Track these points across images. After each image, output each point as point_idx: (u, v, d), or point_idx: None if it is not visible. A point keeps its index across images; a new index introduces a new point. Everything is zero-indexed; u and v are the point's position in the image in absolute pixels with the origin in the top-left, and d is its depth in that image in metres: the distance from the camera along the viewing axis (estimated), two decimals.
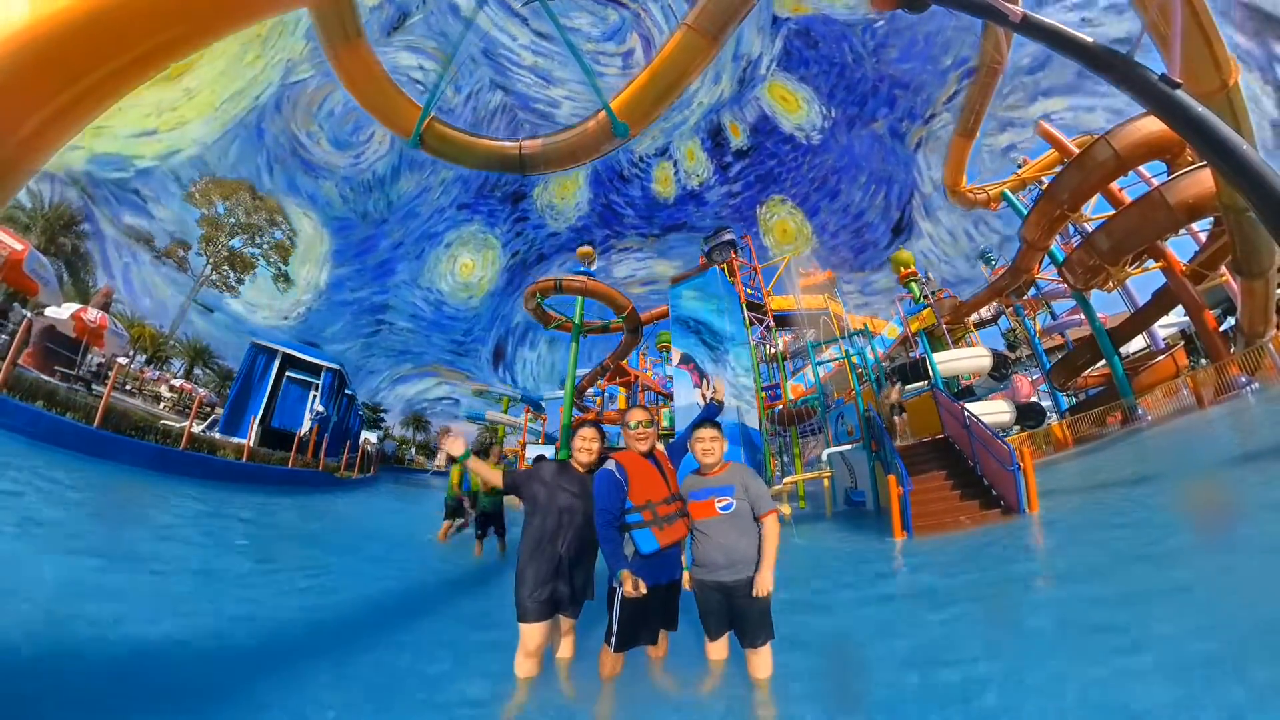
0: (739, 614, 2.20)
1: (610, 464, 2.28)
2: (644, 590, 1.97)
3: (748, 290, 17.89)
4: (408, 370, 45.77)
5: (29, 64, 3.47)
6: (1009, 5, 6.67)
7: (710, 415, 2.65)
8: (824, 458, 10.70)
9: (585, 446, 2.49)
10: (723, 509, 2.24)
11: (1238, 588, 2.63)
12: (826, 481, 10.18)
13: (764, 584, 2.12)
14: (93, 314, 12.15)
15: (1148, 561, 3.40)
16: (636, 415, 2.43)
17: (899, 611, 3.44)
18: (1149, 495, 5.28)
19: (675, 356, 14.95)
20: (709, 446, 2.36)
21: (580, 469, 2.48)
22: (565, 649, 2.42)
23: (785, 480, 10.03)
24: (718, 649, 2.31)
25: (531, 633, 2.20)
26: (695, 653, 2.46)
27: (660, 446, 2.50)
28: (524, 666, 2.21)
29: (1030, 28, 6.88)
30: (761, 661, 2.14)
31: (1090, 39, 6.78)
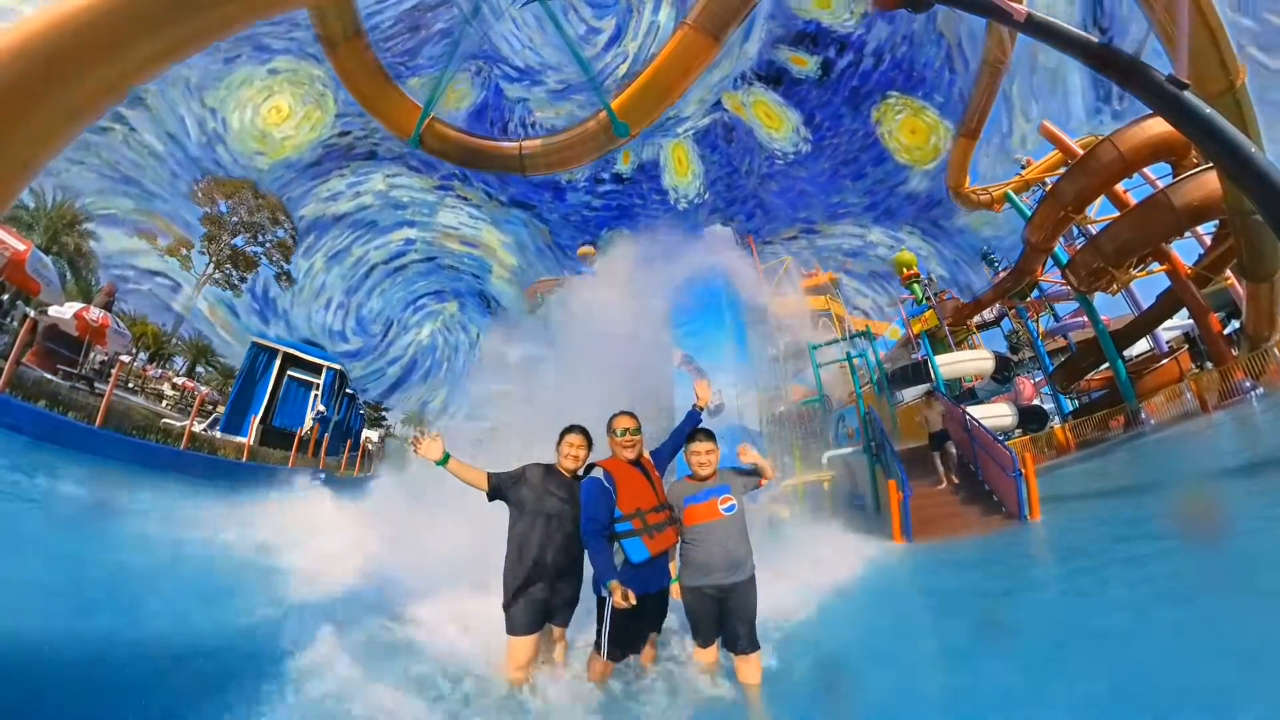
0: (731, 617, 2.19)
1: (598, 472, 2.24)
2: (634, 601, 1.94)
3: None
4: (122, 209, 29.20)
5: (32, 66, 3.46)
6: (1013, 4, 6.59)
7: (695, 423, 2.60)
8: (824, 460, 10.65)
9: (571, 453, 2.42)
10: (726, 510, 2.24)
11: (1240, 599, 2.59)
12: (826, 484, 10.13)
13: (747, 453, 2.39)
14: (95, 313, 12.20)
15: (1151, 571, 3.36)
16: (623, 422, 2.36)
17: (895, 619, 3.41)
18: (1152, 504, 5.23)
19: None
20: (705, 460, 2.33)
21: (566, 474, 2.42)
22: (557, 657, 2.38)
23: (785, 483, 9.98)
24: (708, 655, 2.29)
25: (521, 646, 2.15)
26: (687, 657, 2.44)
27: (646, 453, 2.45)
28: (513, 680, 2.17)
29: (1034, 27, 6.80)
30: (751, 668, 2.13)
31: (1095, 39, 6.71)
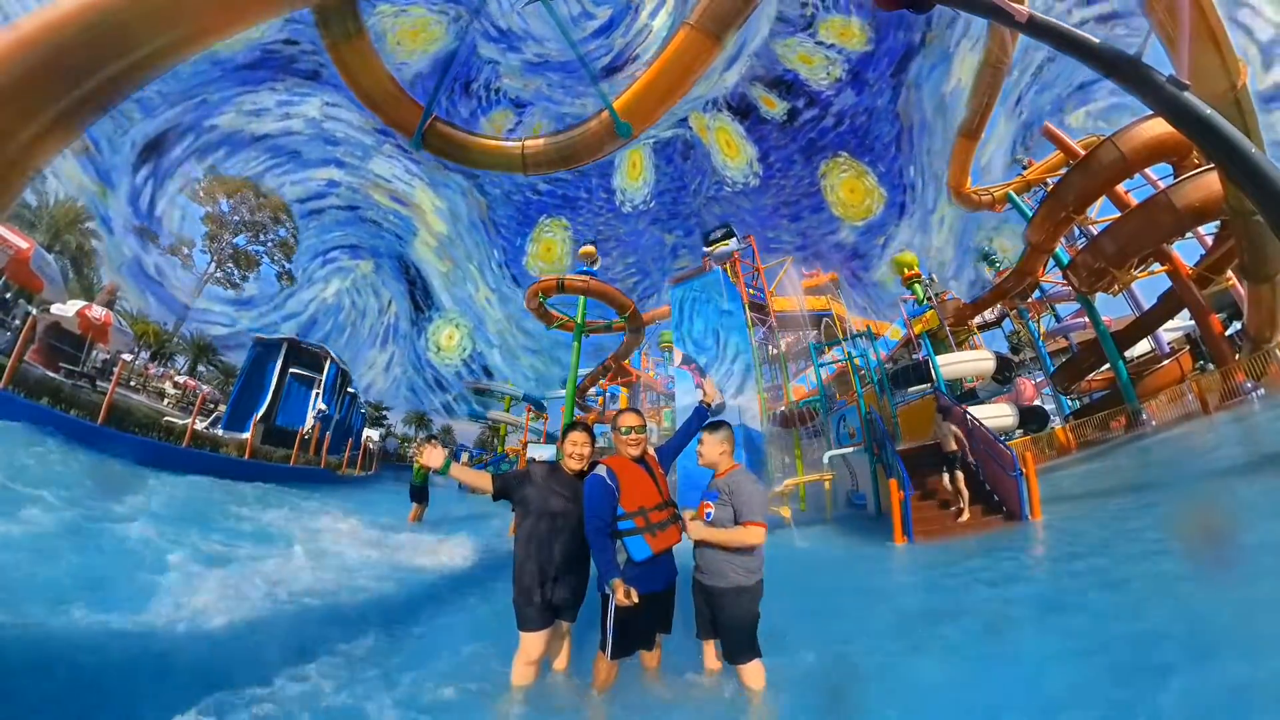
0: (717, 623, 2.18)
1: (601, 469, 2.23)
2: (635, 599, 1.94)
3: (750, 291, 17.84)
4: None
5: (33, 68, 3.44)
6: (1014, 5, 6.60)
7: (702, 419, 2.59)
8: (825, 460, 10.66)
9: (576, 452, 2.42)
10: (706, 516, 2.22)
11: (1242, 601, 2.60)
12: (827, 484, 10.14)
13: (692, 529, 2.17)
14: (97, 311, 12.22)
15: (1149, 575, 3.36)
16: (628, 420, 2.34)
17: (896, 621, 3.42)
18: (1152, 506, 5.24)
19: (677, 357, 14.93)
20: (699, 450, 2.35)
21: (571, 473, 2.43)
22: (562, 656, 2.40)
23: (786, 482, 9.99)
24: (710, 654, 2.29)
25: (533, 641, 2.18)
26: (692, 659, 2.45)
27: (651, 451, 2.44)
28: (522, 674, 2.19)
29: (1036, 28, 6.81)
30: (749, 675, 2.10)
31: (1096, 40, 6.72)
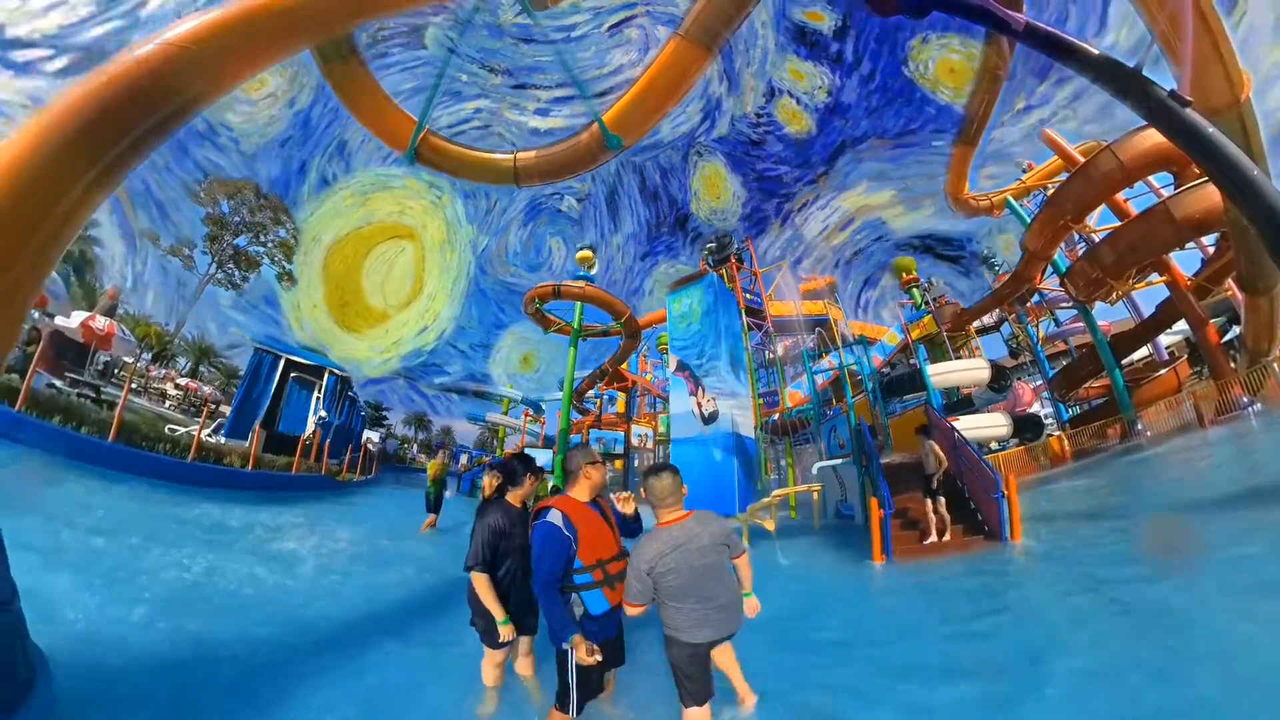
0: None
1: (555, 516, 2.03)
2: (599, 657, 1.91)
3: (747, 296, 17.80)
4: None
5: (69, 143, 3.72)
6: (1011, 13, 6.49)
7: (634, 533, 2.39)
8: (814, 471, 10.71)
9: (533, 489, 2.73)
10: None
11: (1220, 632, 2.64)
12: (816, 495, 10.20)
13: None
14: (101, 321, 12.40)
15: (1131, 592, 3.39)
16: (593, 453, 2.25)
17: (861, 644, 3.47)
18: (1138, 528, 5.26)
19: (672, 363, 14.96)
20: None
21: (519, 505, 2.68)
22: (526, 667, 2.65)
23: (774, 493, 10.06)
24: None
25: (497, 654, 2.53)
26: (656, 684, 2.51)
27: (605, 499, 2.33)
28: (492, 676, 2.55)
29: (1033, 36, 6.69)
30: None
31: (1095, 50, 6.60)
